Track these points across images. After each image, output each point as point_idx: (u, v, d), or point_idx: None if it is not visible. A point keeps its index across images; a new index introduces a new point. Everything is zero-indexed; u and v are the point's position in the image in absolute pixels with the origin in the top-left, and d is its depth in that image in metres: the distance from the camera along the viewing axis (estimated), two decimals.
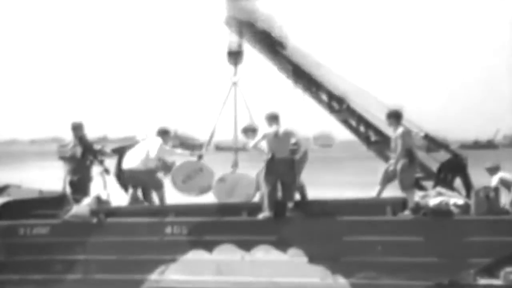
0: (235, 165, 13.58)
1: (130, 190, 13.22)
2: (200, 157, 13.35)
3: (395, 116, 12.18)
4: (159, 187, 13.10)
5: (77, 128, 14.21)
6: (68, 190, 13.85)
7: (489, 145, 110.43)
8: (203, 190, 13.16)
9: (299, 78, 13.60)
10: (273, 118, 12.33)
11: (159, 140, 13.13)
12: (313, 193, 12.96)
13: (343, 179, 33.61)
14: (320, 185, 12.96)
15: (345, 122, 13.71)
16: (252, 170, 13.18)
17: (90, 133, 14.65)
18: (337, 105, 13.52)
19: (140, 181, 13.13)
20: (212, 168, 13.25)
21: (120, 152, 13.82)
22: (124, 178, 13.23)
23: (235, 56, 13.81)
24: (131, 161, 13.01)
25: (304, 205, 12.52)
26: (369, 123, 13.48)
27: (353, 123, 13.64)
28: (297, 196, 12.67)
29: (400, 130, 12.00)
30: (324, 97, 13.63)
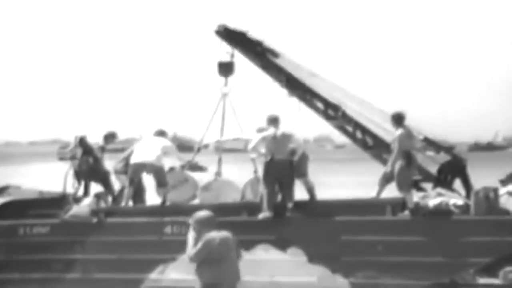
0: (218, 173, 13.67)
1: (126, 190, 13.25)
2: (183, 167, 13.50)
3: (395, 118, 12.24)
4: (165, 184, 13.13)
5: (109, 137, 14.34)
6: (69, 189, 13.89)
7: (489, 147, 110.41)
8: (187, 200, 13.29)
9: (293, 86, 13.60)
10: (272, 121, 12.39)
11: (166, 141, 13.31)
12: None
13: (342, 179, 33.66)
14: (320, 186, 12.93)
15: (342, 128, 13.74)
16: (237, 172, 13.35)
17: (90, 135, 14.73)
18: (333, 112, 13.54)
19: (140, 175, 13.24)
20: (197, 177, 13.48)
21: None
22: (132, 171, 13.15)
23: (225, 67, 13.83)
24: (144, 155, 13.01)
25: (304, 205, 12.54)
26: (366, 129, 13.51)
27: (350, 129, 13.66)
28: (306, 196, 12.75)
29: (397, 132, 12.06)
30: (319, 104, 13.64)
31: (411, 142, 12.12)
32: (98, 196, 13.47)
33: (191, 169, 13.73)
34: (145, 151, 13.03)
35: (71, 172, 14.09)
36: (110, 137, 14.47)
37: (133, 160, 13.09)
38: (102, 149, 14.42)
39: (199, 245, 8.55)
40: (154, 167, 12.96)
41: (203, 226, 8.68)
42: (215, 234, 8.61)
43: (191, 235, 8.68)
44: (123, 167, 13.72)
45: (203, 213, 8.85)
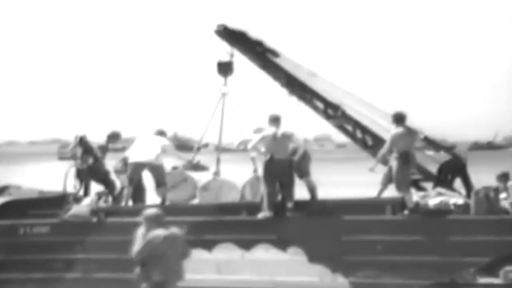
0: (217, 173, 13.67)
1: (126, 190, 13.23)
2: (185, 166, 13.58)
3: (395, 118, 12.23)
4: (163, 184, 13.11)
5: (112, 137, 14.29)
6: (69, 189, 13.87)
7: (489, 146, 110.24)
8: (187, 200, 13.30)
9: (293, 86, 13.61)
10: (273, 120, 12.40)
11: (165, 140, 13.27)
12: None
13: (343, 178, 33.61)
14: (320, 185, 12.94)
15: (341, 128, 13.76)
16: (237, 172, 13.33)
17: (90, 134, 14.73)
18: (333, 111, 13.56)
19: (140, 174, 13.17)
20: (196, 177, 13.49)
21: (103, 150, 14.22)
22: (131, 171, 13.14)
23: (225, 66, 13.83)
24: (143, 154, 12.99)
25: (304, 204, 12.54)
26: (365, 128, 13.53)
27: (349, 128, 13.68)
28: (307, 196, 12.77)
29: (392, 132, 12.08)
30: (319, 104, 13.65)
31: (408, 141, 12.07)
32: (99, 196, 13.48)
33: (193, 168, 13.73)
34: (144, 150, 13.02)
35: (73, 172, 14.08)
36: (113, 136, 14.43)
37: (132, 159, 13.08)
38: (105, 148, 14.39)
39: (142, 243, 8.72)
40: (154, 166, 12.94)
41: (152, 223, 8.89)
42: (159, 232, 8.77)
43: (140, 232, 8.86)
44: (123, 167, 13.72)
45: (152, 210, 9.10)
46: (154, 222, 8.92)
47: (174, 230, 8.93)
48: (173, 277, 8.92)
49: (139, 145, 13.24)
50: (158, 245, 8.72)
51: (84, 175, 14.09)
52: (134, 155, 13.10)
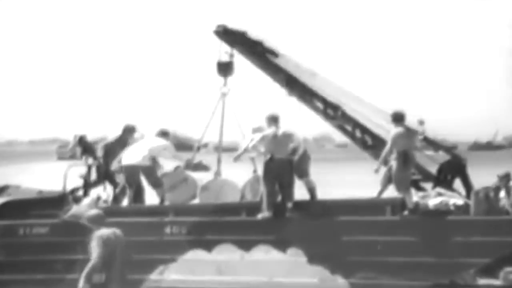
0: (218, 173, 13.66)
1: (128, 191, 13.22)
2: (186, 166, 13.52)
3: (395, 117, 12.22)
4: (159, 185, 13.08)
5: (128, 130, 14.19)
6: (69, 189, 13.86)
7: (489, 146, 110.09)
8: (187, 200, 13.28)
9: (293, 86, 13.62)
10: (272, 119, 12.38)
11: (163, 141, 13.20)
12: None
13: (343, 179, 33.60)
14: (320, 185, 12.93)
15: (341, 128, 13.77)
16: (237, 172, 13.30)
17: (90, 134, 14.72)
18: (332, 112, 13.57)
19: (136, 177, 13.13)
20: (197, 177, 13.48)
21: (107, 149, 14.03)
22: (126, 173, 13.13)
23: (225, 66, 13.84)
24: (132, 157, 12.98)
25: (304, 205, 12.53)
26: (365, 128, 13.54)
27: (349, 128, 13.69)
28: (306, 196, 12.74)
29: (392, 132, 12.06)
30: (319, 104, 13.66)
31: (408, 141, 12.05)
32: (98, 196, 13.48)
33: (195, 168, 13.71)
34: (133, 153, 13.01)
35: (94, 170, 14.04)
36: (129, 130, 14.27)
37: (123, 162, 13.08)
38: (123, 141, 14.16)
39: (94, 244, 9.02)
40: (142, 168, 12.92)
41: (94, 223, 9.24)
42: (103, 231, 9.15)
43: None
44: (119, 167, 13.69)
45: (93, 211, 9.54)
46: (96, 222, 9.24)
47: (117, 231, 9.27)
48: (115, 277, 9.08)
49: (133, 147, 13.23)
50: (106, 241, 8.98)
51: (103, 172, 14.04)
52: (124, 158, 13.10)
